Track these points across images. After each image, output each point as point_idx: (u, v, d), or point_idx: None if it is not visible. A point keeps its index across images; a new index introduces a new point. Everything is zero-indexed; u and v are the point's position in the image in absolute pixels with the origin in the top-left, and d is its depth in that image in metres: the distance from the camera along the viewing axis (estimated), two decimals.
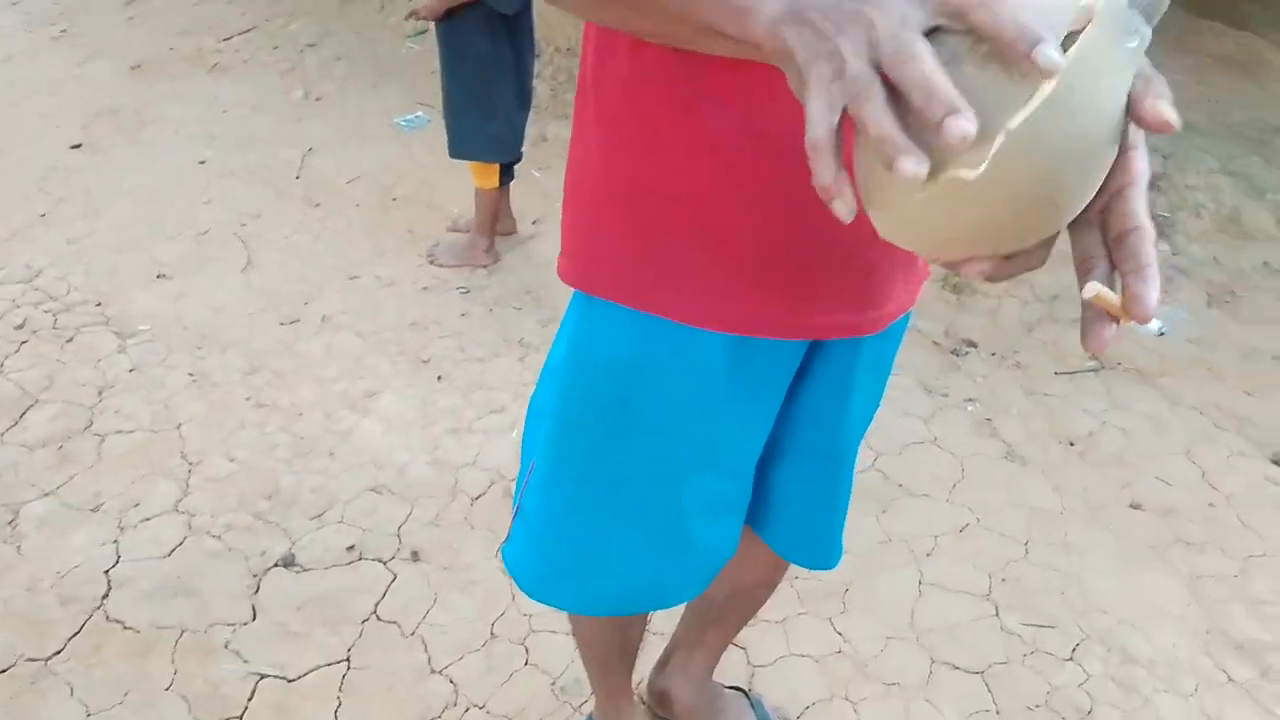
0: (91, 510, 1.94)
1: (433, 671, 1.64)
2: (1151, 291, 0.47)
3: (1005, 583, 1.72)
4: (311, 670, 1.65)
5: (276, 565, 1.82)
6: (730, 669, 1.58)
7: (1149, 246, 0.48)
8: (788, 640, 1.66)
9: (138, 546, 1.85)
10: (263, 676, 1.64)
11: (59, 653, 1.68)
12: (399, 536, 1.87)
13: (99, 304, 2.53)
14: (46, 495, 1.95)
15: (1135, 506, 1.86)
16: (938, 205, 0.46)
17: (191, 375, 2.29)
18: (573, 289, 0.88)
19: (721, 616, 1.33)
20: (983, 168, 0.43)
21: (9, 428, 2.10)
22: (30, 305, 2.50)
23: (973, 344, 2.40)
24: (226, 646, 1.69)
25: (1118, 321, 0.50)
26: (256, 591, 1.77)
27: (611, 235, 0.82)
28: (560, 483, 0.96)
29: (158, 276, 2.65)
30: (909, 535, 1.84)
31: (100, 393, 2.23)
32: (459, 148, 2.59)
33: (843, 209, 0.46)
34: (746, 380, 0.86)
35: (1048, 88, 0.43)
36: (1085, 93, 0.44)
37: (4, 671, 1.61)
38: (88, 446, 2.08)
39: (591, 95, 0.79)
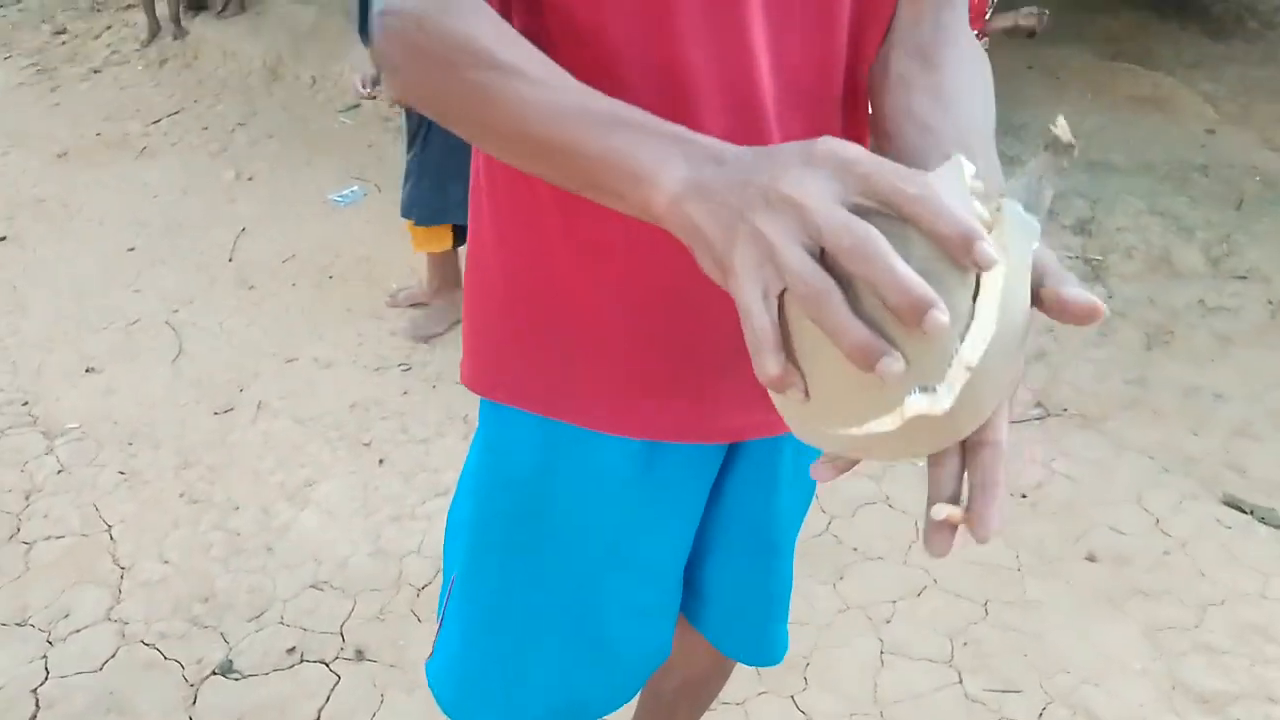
0: (18, 624, 1.84)
1: None
2: (995, 514, 0.47)
3: (966, 646, 1.69)
4: None
5: (214, 673, 1.74)
6: None
7: (1001, 465, 0.49)
8: None
9: (68, 660, 1.76)
10: None
11: None
12: (342, 634, 1.80)
13: (25, 403, 2.44)
14: None
15: (1090, 559, 1.85)
16: (892, 434, 0.47)
17: (122, 473, 2.21)
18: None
19: (673, 710, 1.28)
20: (950, 403, 0.45)
21: None
22: None
23: None
24: None
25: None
26: (194, 702, 1.69)
27: (509, 338, 0.79)
28: (478, 595, 0.92)
29: (86, 371, 2.57)
30: (867, 601, 1.81)
31: (27, 497, 2.14)
32: (431, 212, 2.53)
33: (796, 396, 0.46)
34: (660, 484, 0.83)
35: (992, 303, 0.45)
36: (1013, 297, 0.46)
37: None
38: (14, 556, 1.99)
39: (485, 193, 0.77)
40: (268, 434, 2.32)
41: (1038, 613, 1.74)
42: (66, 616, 1.84)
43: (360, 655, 1.76)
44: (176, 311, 2.80)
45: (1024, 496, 2.03)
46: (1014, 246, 0.47)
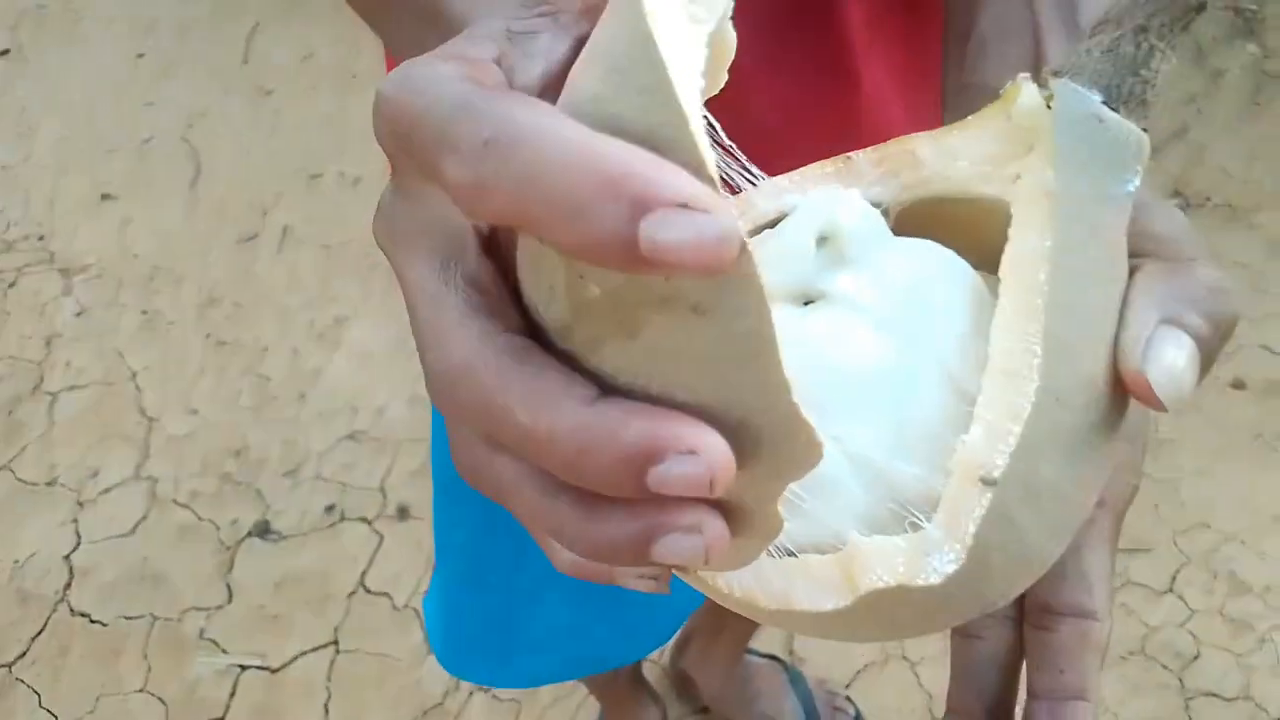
0: (48, 485, 1.74)
1: (429, 652, 1.45)
2: None
3: None
4: (296, 658, 1.48)
5: (250, 535, 1.62)
6: (765, 631, 1.37)
7: (1096, 660, 0.30)
8: None
9: (98, 525, 1.66)
10: (243, 669, 1.47)
11: (23, 655, 1.52)
12: (383, 491, 1.65)
13: (41, 238, 2.27)
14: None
15: (1237, 385, 1.57)
16: (846, 614, 0.26)
17: (144, 314, 2.04)
18: None
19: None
20: (954, 564, 0.24)
21: None
22: None
23: None
24: (202, 636, 1.51)
25: None
26: (230, 569, 1.58)
27: None
28: (450, 547, 0.76)
29: (102, 198, 2.37)
30: None
31: (48, 343, 2.01)
32: None
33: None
34: None
35: (1020, 330, 0.25)
36: (1076, 313, 0.26)
37: None
38: (39, 410, 1.87)
39: None
40: (294, 265, 2.12)
41: (1171, 455, 1.49)
42: (94, 476, 1.74)
43: (404, 513, 1.62)
44: (191, 126, 2.56)
45: None
46: (1075, 187, 0.25)
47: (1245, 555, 1.36)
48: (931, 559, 0.24)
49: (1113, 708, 1.26)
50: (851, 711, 1.28)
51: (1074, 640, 0.30)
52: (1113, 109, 0.26)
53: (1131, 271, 0.27)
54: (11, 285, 2.15)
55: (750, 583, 0.26)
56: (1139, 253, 0.27)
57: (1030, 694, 0.31)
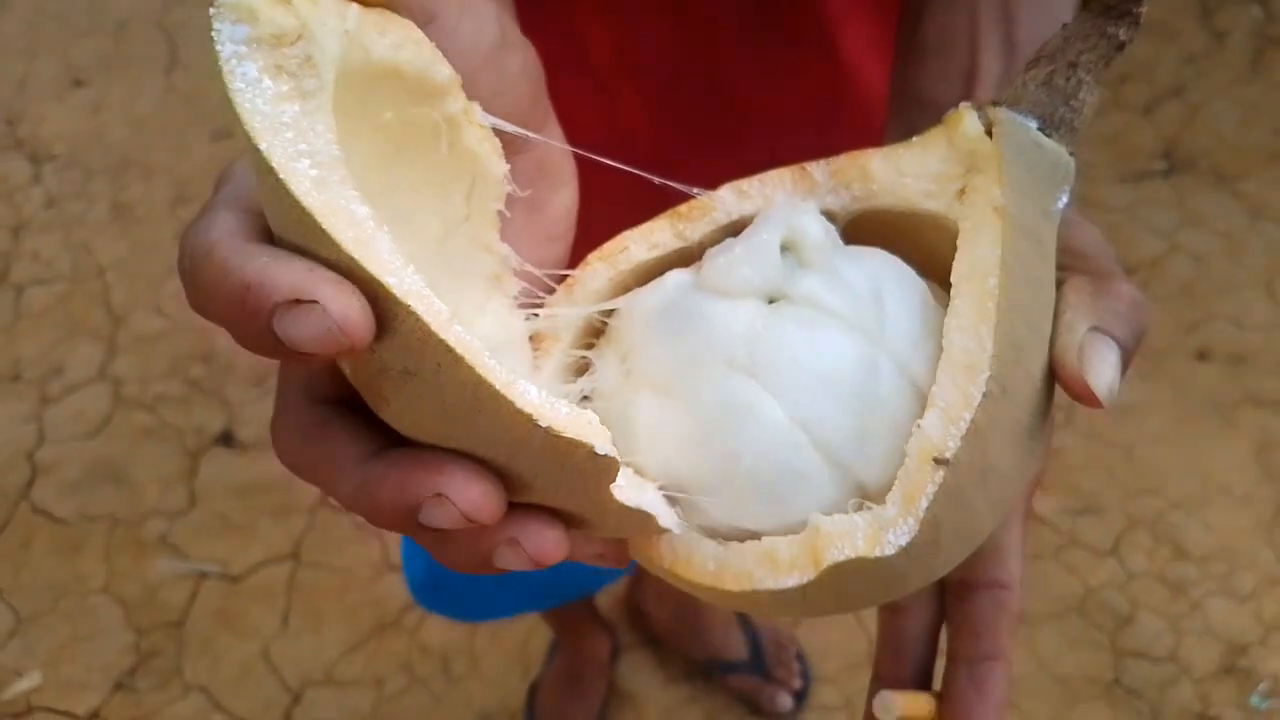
0: (13, 379, 1.74)
1: (389, 568, 1.48)
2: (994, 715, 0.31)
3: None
4: (256, 567, 1.49)
5: (214, 444, 1.63)
6: None
7: (1007, 625, 0.33)
8: None
9: (62, 424, 1.66)
10: (204, 575, 1.49)
11: None
12: None
13: (9, 122, 2.21)
14: None
15: (1201, 356, 1.58)
16: (804, 590, 0.27)
17: (114, 207, 2.01)
18: None
19: None
20: (907, 536, 0.26)
21: None
22: None
23: None
24: (163, 540, 1.53)
25: None
26: (193, 475, 1.59)
27: None
28: None
29: (74, 84, 2.30)
30: None
31: (16, 233, 1.97)
32: None
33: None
34: None
35: (973, 326, 0.27)
36: (1022, 311, 0.28)
37: None
38: (5, 301, 1.85)
39: None
40: None
41: (1130, 421, 1.51)
42: (59, 373, 1.73)
43: None
44: (167, 10, 2.46)
45: (1130, 274, 1.73)
46: (1020, 204, 0.28)
47: (1189, 523, 1.39)
48: (887, 533, 0.26)
49: (1046, 663, 1.31)
50: (795, 649, 1.32)
51: (991, 608, 0.33)
52: (1047, 134, 0.29)
53: (1059, 282, 0.29)
54: None
55: (716, 570, 0.28)
56: (1063, 265, 0.30)
57: (950, 657, 0.33)
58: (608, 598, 1.40)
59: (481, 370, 0.21)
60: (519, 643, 1.39)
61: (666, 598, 1.29)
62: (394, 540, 1.49)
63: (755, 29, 0.57)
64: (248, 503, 1.55)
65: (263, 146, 0.20)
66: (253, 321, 0.20)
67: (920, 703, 0.33)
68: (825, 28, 0.57)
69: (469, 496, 0.22)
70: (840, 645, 1.39)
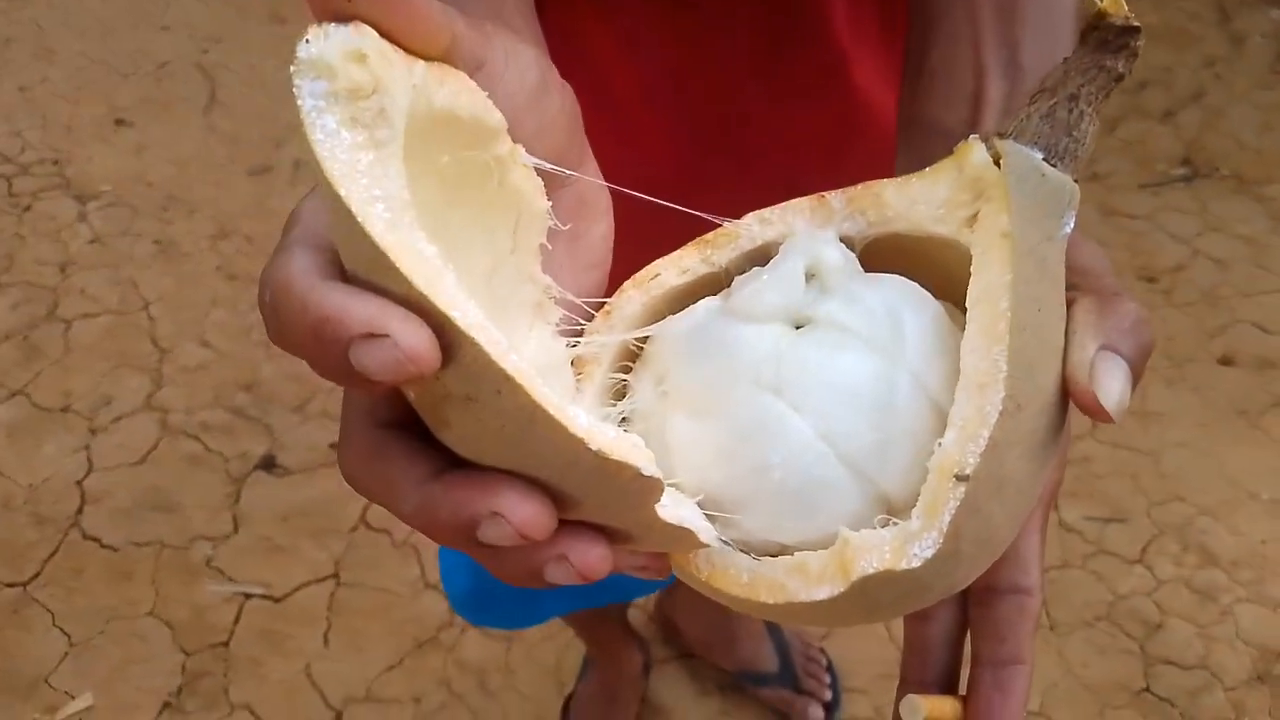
0: (62, 411, 1.80)
1: (426, 586, 1.52)
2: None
3: (1070, 465, 1.50)
4: (299, 588, 1.54)
5: (257, 469, 1.68)
6: None
7: (1030, 630, 0.35)
8: None
9: (110, 453, 1.72)
10: (248, 597, 1.54)
11: (37, 576, 1.59)
12: None
13: (56, 162, 2.29)
14: (14, 396, 1.81)
15: (1226, 361, 1.59)
16: (833, 603, 0.29)
17: (158, 243, 2.08)
18: None
19: None
20: (931, 549, 0.27)
21: None
22: None
23: None
24: (209, 564, 1.58)
25: None
26: (237, 500, 1.64)
27: None
28: None
29: (117, 123, 2.38)
30: None
31: (63, 270, 2.05)
32: None
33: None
34: None
35: (987, 348, 0.29)
36: (1037, 333, 0.30)
37: None
38: (54, 335, 1.92)
39: None
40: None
41: (1155, 427, 1.51)
42: (108, 404, 1.79)
43: None
44: (206, 52, 2.55)
45: (1152, 281, 1.74)
46: (1026, 230, 0.30)
47: (1217, 529, 1.39)
48: (912, 546, 0.27)
49: (1076, 671, 1.31)
50: (824, 661, 1.34)
51: (1013, 613, 0.34)
52: (1051, 164, 0.31)
53: (1068, 302, 0.31)
54: (27, 209, 2.18)
55: (750, 583, 0.30)
56: (1071, 284, 0.31)
57: (974, 661, 0.35)
58: (639, 613, 1.43)
59: (537, 396, 0.22)
60: (553, 658, 1.43)
61: (698, 611, 1.32)
62: (431, 559, 1.53)
63: (769, 61, 0.60)
64: (290, 525, 1.60)
65: (342, 192, 0.22)
66: (330, 352, 0.21)
67: (945, 706, 0.35)
68: (837, 59, 0.60)
69: (523, 515, 0.23)
70: (871, 656, 1.40)
